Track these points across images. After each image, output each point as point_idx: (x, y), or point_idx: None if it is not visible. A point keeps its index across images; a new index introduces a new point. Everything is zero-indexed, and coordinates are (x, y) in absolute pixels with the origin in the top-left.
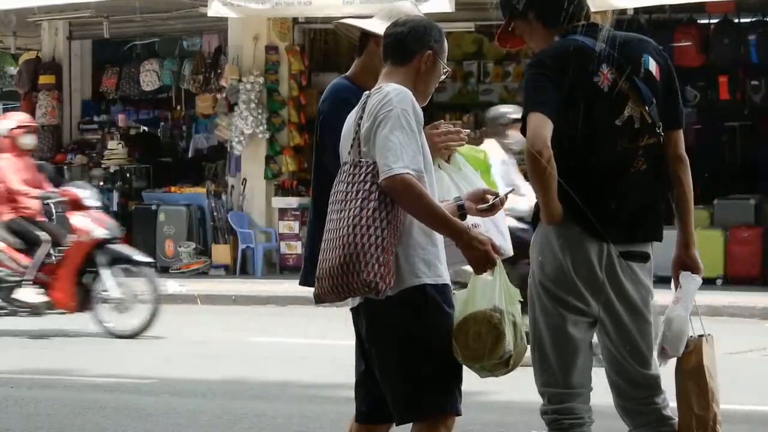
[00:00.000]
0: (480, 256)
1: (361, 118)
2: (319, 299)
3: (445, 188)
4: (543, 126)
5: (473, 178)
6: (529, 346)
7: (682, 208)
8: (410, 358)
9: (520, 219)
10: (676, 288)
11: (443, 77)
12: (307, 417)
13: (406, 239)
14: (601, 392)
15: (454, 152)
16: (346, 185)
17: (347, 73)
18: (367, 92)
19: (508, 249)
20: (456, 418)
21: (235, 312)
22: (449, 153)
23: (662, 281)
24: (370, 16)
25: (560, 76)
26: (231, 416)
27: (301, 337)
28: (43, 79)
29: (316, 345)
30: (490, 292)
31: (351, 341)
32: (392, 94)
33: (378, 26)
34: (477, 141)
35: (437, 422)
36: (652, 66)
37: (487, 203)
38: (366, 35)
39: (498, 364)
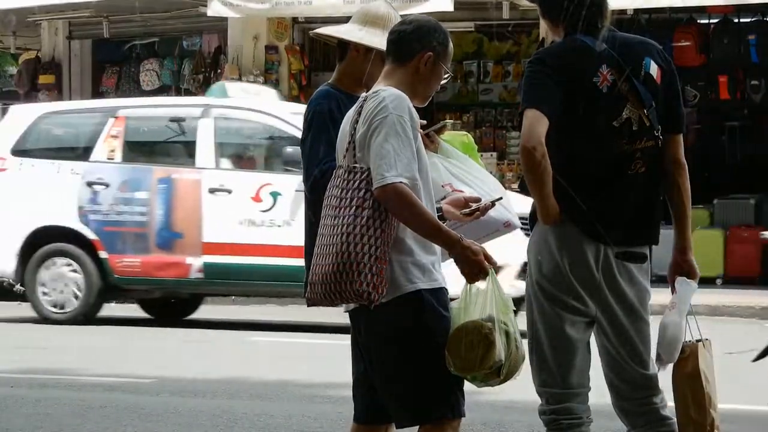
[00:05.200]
0: (473, 265)
1: (356, 122)
2: (311, 303)
3: (443, 174)
4: (538, 123)
5: (464, 164)
6: (526, 354)
7: (680, 213)
8: (410, 363)
9: None
10: (672, 293)
11: (444, 81)
12: (307, 417)
13: (400, 245)
14: (599, 392)
15: (439, 143)
16: (340, 191)
17: (330, 80)
18: (364, 94)
19: (518, 222)
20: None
21: (234, 311)
22: (435, 145)
23: (661, 280)
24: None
25: (559, 74)
26: (231, 416)
27: (301, 337)
28: (43, 79)
29: (316, 344)
30: (483, 302)
31: (350, 340)
32: (388, 99)
33: (352, 33)
34: None
35: (443, 425)
36: (653, 69)
37: (470, 209)
38: (345, 42)
39: (490, 374)
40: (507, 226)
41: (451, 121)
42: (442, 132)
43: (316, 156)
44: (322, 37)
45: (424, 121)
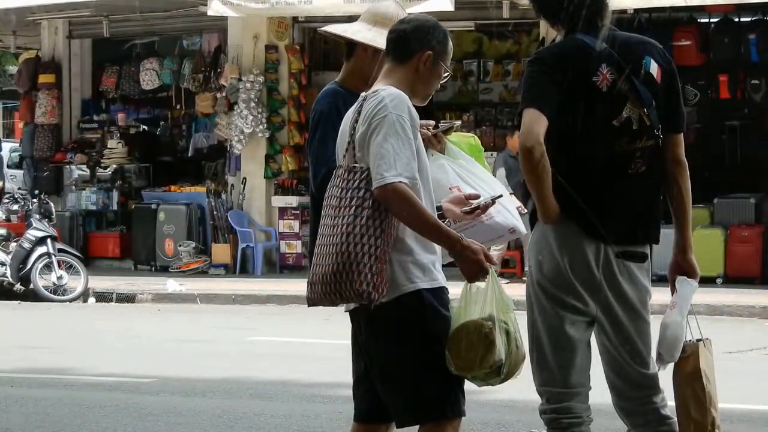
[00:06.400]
0: (473, 265)
1: (356, 121)
2: (312, 303)
3: (451, 177)
4: (537, 122)
5: (470, 165)
6: (527, 354)
7: (680, 212)
8: (410, 363)
9: None
10: (673, 293)
11: (443, 80)
12: (307, 416)
13: (400, 245)
14: (599, 391)
15: (446, 143)
16: (340, 191)
17: (337, 79)
18: (363, 94)
19: (522, 228)
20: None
21: (234, 311)
22: (441, 145)
23: (661, 280)
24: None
25: (559, 74)
26: (230, 415)
27: (301, 336)
28: (43, 78)
29: (316, 344)
30: (483, 301)
31: (350, 340)
32: (387, 99)
33: (361, 33)
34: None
35: (444, 424)
36: (654, 68)
37: (470, 207)
38: (353, 41)
39: (490, 374)
40: (512, 232)
41: (459, 122)
42: (449, 132)
43: (323, 155)
44: (331, 36)
45: (431, 122)
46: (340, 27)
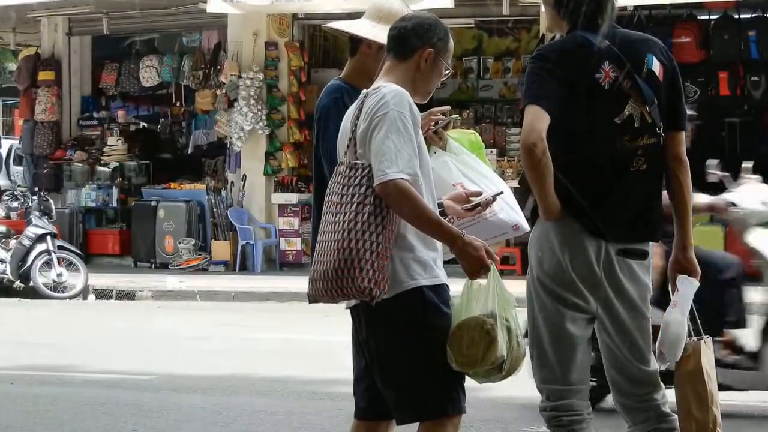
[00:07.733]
0: (474, 262)
1: (357, 118)
2: (313, 300)
3: (455, 174)
4: (539, 119)
5: (472, 162)
6: (528, 351)
7: (681, 210)
8: (410, 360)
9: None
10: (673, 291)
11: (444, 77)
12: (307, 413)
13: (401, 241)
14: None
15: (447, 140)
16: (341, 187)
17: (341, 75)
18: (365, 91)
19: (526, 226)
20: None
21: (234, 308)
22: (443, 141)
23: None
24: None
25: (561, 71)
26: (231, 412)
27: (301, 333)
28: (43, 76)
29: (316, 341)
30: (484, 298)
31: (350, 337)
32: (389, 96)
33: (366, 29)
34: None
35: (444, 421)
36: (656, 66)
37: (471, 204)
38: (357, 37)
39: (491, 370)
40: (515, 229)
41: (458, 116)
42: (448, 128)
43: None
44: (336, 33)
45: (448, 107)
46: (345, 23)
